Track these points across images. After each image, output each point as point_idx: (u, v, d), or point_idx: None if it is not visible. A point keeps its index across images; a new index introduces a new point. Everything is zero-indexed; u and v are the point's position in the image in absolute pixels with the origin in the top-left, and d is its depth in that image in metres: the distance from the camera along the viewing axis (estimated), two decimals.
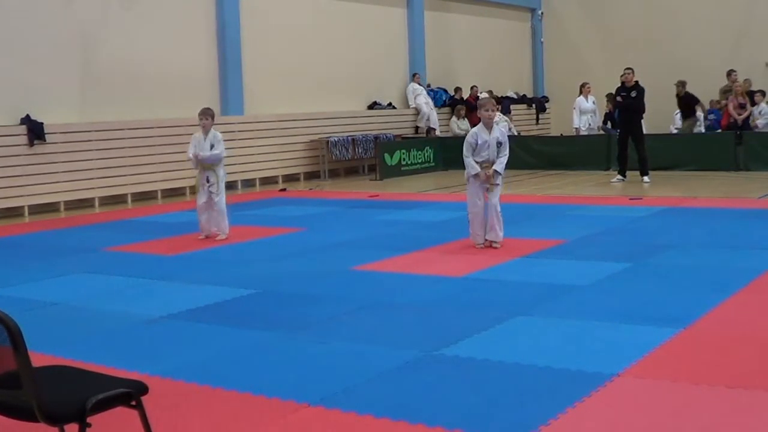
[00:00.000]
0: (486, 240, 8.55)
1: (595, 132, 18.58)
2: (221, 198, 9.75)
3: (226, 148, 10.03)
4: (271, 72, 16.86)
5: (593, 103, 18.58)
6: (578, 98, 18.45)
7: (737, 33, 21.95)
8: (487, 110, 8.46)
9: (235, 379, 4.58)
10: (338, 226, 10.52)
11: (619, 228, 9.59)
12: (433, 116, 20.01)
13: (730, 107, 17.27)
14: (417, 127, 20.02)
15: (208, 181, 9.75)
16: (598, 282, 6.79)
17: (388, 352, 5.03)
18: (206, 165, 9.73)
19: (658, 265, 7.36)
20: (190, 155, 9.76)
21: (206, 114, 9.77)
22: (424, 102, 20.02)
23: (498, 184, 8.52)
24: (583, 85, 18.54)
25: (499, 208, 8.44)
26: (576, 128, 18.47)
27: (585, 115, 18.45)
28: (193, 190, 14.81)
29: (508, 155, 8.57)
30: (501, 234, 8.48)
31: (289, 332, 5.57)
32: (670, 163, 15.77)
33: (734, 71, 18.58)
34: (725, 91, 18.53)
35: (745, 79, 18.54)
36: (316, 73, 17.81)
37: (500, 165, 8.46)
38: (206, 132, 9.71)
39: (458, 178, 16.15)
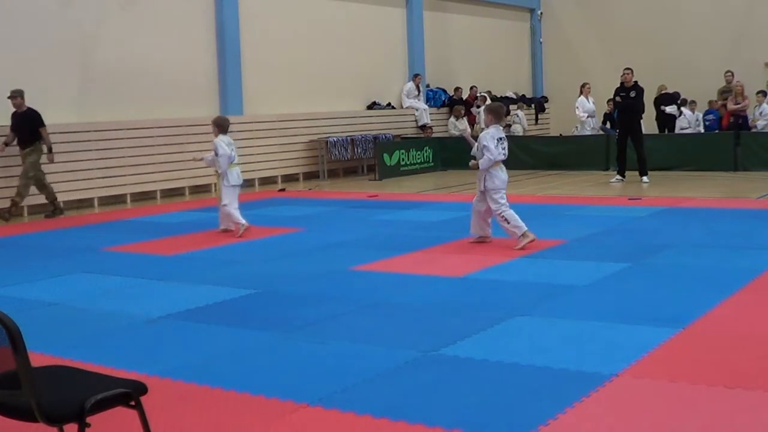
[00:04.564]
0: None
1: (592, 133, 18.58)
2: None
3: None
4: (270, 72, 16.86)
5: (593, 103, 18.60)
6: (580, 98, 18.43)
7: (737, 33, 21.95)
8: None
9: (234, 379, 4.58)
10: (337, 226, 10.52)
11: (618, 228, 9.59)
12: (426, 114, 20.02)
13: (730, 107, 17.28)
14: (422, 126, 19.91)
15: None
16: (597, 282, 6.79)
17: (387, 352, 5.03)
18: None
19: (657, 265, 7.37)
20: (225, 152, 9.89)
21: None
22: (416, 100, 19.99)
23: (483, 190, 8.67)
24: (583, 86, 18.54)
25: (492, 210, 8.60)
26: (582, 116, 18.40)
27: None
28: (192, 190, 14.97)
29: (485, 156, 8.51)
30: (489, 230, 8.86)
31: (287, 332, 5.57)
32: (669, 163, 15.77)
33: (729, 72, 18.62)
34: (723, 92, 18.54)
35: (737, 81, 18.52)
36: (315, 73, 17.81)
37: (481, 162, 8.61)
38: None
39: (457, 178, 16.17)
